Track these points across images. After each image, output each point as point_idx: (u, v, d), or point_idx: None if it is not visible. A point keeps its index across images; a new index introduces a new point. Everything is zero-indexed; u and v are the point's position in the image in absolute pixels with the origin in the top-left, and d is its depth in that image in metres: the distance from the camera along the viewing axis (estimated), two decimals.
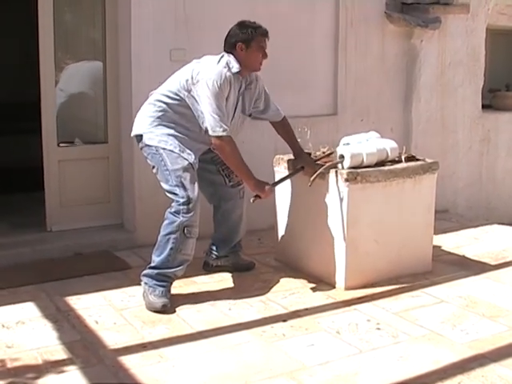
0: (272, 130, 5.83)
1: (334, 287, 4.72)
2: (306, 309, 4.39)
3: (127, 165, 5.64)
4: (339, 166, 4.67)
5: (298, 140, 4.95)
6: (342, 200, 4.62)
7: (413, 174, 4.88)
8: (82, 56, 5.97)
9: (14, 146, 7.84)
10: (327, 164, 4.71)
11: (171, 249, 4.39)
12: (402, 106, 6.85)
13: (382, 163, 4.84)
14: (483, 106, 7.45)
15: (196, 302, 4.45)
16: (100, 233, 5.66)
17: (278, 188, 4.96)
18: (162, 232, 4.44)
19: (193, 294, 4.62)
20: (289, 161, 5.00)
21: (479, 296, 4.63)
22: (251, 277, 4.94)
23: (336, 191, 4.64)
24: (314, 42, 6.27)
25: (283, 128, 4.97)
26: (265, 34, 4.59)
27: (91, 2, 5.80)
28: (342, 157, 4.67)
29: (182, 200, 4.37)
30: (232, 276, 4.93)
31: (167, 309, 4.30)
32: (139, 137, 4.55)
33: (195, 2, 5.65)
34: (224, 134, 4.37)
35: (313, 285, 4.77)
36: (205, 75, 4.39)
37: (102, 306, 4.39)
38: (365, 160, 4.70)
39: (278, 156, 5.15)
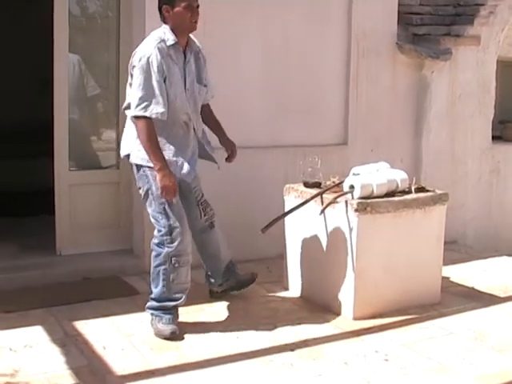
0: (283, 158, 5.88)
1: (343, 317, 4.71)
2: (314, 338, 4.37)
3: (137, 190, 5.63)
4: (349, 195, 4.69)
5: (309, 169, 4.98)
6: (351, 230, 4.63)
7: (423, 205, 4.89)
8: (95, 81, 6.02)
9: (25, 170, 7.87)
10: (337, 194, 4.72)
11: (164, 280, 4.35)
12: (412, 137, 6.85)
13: (391, 193, 4.85)
14: (493, 138, 7.44)
15: (204, 330, 4.44)
16: (109, 258, 5.66)
17: (287, 216, 4.97)
18: (152, 264, 4.40)
19: (201, 321, 4.62)
20: (298, 190, 5.02)
21: (488, 329, 4.61)
22: (259, 305, 4.94)
23: (346, 221, 4.65)
24: (325, 71, 6.30)
25: (211, 114, 4.76)
26: None
27: (105, 28, 5.88)
28: (352, 187, 4.69)
29: (163, 230, 4.31)
30: (240, 304, 4.92)
31: (176, 336, 4.30)
32: (127, 157, 4.43)
33: (214, 31, 5.65)
34: (143, 114, 4.15)
35: (321, 314, 4.76)
36: (138, 55, 4.25)
37: (110, 332, 4.39)
38: (375, 190, 4.71)
39: (288, 185, 5.15)
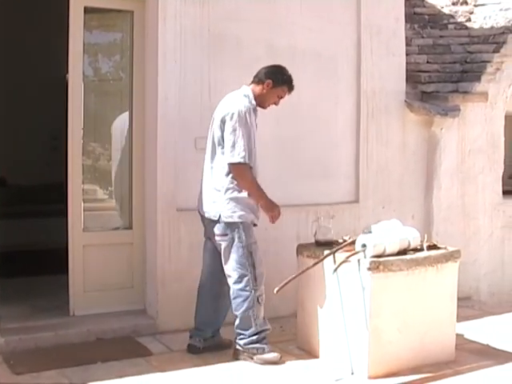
0: (295, 217, 5.91)
1: (357, 376, 4.68)
2: None
3: (151, 251, 5.68)
4: (361, 254, 4.70)
5: (321, 228, 5.02)
6: (364, 288, 4.63)
7: (435, 263, 4.89)
8: (108, 143, 6.12)
9: (39, 229, 7.92)
10: (350, 253, 4.74)
11: (255, 320, 4.82)
12: (423, 194, 6.89)
13: (403, 251, 4.86)
14: (504, 193, 7.45)
15: None
16: (122, 318, 5.63)
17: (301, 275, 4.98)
18: (240, 308, 4.81)
19: None
20: (310, 249, 5.05)
21: None
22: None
23: (359, 279, 4.65)
24: (335, 131, 6.37)
25: None
26: (292, 88, 5.03)
27: (118, 91, 5.99)
28: (364, 246, 4.70)
29: (249, 275, 4.77)
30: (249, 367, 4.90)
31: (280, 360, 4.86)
32: (213, 219, 4.84)
33: (219, 91, 5.73)
34: (242, 160, 4.68)
35: (335, 374, 4.73)
36: (231, 109, 4.76)
37: None
38: (387, 249, 4.72)
39: (300, 244, 5.19)
